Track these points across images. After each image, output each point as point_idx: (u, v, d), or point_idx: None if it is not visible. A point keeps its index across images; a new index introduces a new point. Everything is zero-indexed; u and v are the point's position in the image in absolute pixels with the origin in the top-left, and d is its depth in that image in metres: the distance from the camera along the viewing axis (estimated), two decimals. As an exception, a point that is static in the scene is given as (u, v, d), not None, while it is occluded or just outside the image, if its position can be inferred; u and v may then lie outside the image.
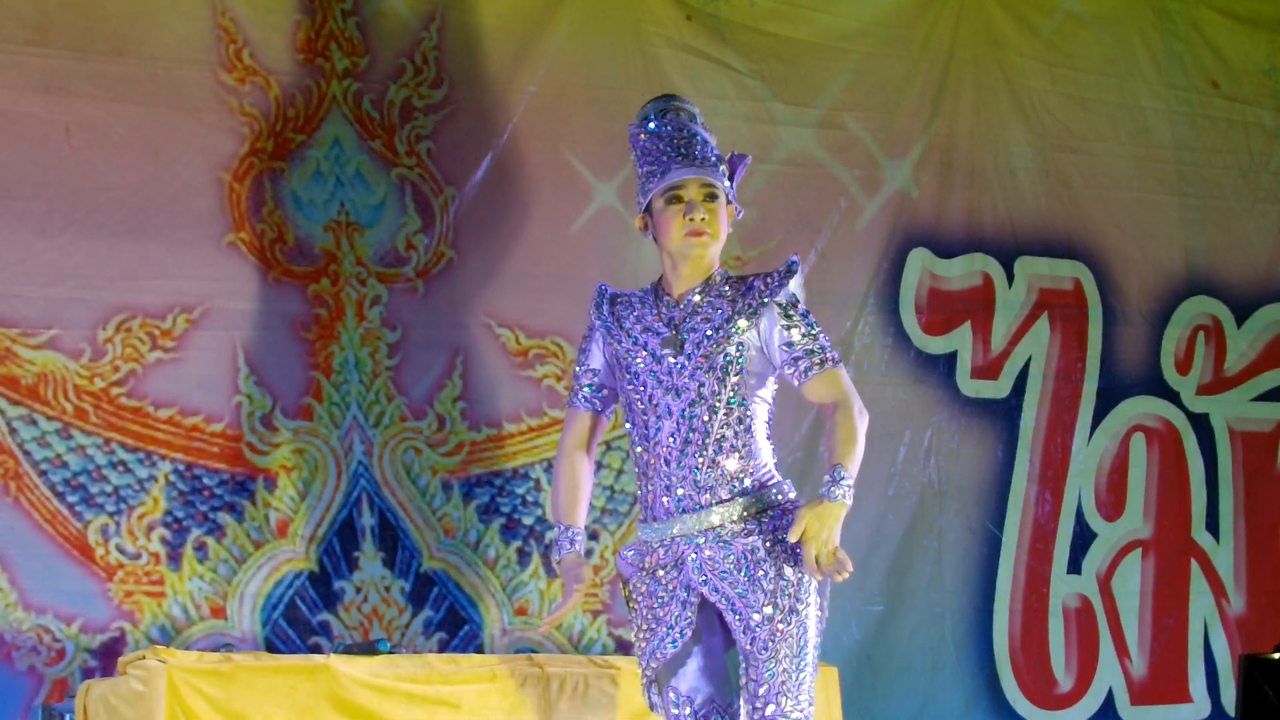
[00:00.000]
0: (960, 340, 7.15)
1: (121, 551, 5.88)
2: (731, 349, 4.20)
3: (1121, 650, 7.26)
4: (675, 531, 4.21)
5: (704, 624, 4.23)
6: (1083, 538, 7.26)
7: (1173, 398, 7.47)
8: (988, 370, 7.19)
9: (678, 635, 4.20)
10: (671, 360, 4.22)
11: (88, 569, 5.84)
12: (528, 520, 6.38)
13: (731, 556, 4.16)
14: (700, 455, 4.19)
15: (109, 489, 5.88)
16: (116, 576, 5.86)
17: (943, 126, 7.16)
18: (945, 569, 7.03)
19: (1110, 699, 7.21)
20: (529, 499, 6.38)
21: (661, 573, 4.23)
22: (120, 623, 5.85)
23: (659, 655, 4.22)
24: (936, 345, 7.12)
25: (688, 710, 4.24)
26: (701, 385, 4.20)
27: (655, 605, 4.23)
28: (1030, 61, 7.34)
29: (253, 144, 6.14)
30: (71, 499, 5.84)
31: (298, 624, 6.06)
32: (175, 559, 5.94)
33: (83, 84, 5.95)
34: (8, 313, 5.81)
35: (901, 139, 7.10)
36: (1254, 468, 7.60)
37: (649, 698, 4.30)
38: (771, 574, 4.13)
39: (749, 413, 4.23)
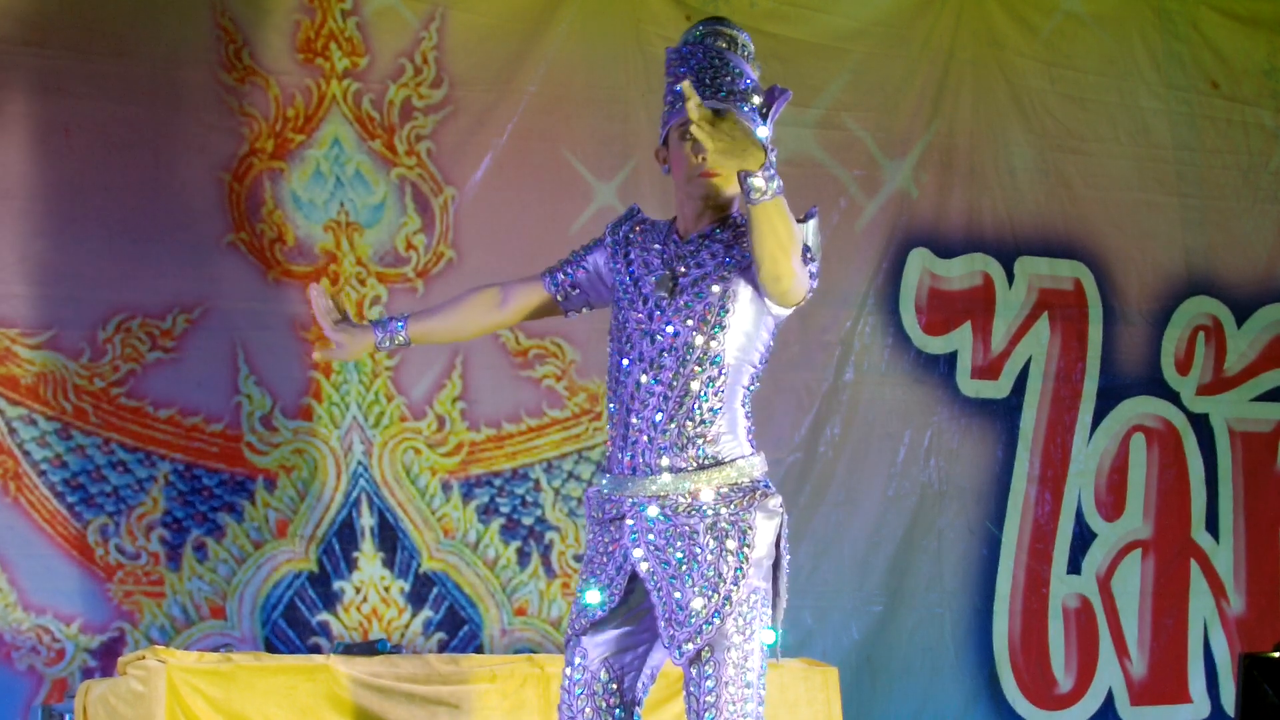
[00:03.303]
0: (960, 340, 7.15)
1: (121, 551, 5.88)
2: (715, 296, 3.93)
3: (1121, 650, 7.26)
4: (625, 491, 3.95)
5: (638, 601, 3.96)
6: (1082, 538, 7.26)
7: (1173, 398, 7.47)
8: (988, 370, 7.19)
9: (612, 599, 3.94)
10: (658, 302, 3.97)
11: (87, 569, 5.84)
12: (527, 520, 6.38)
13: (671, 530, 3.90)
14: (663, 410, 3.92)
15: (108, 489, 5.88)
16: (116, 576, 5.86)
17: (942, 126, 7.16)
18: (945, 569, 7.03)
19: (1110, 699, 7.21)
20: (529, 499, 6.39)
21: (610, 528, 3.98)
22: (120, 623, 5.85)
23: (587, 615, 3.97)
24: (936, 345, 7.12)
25: (582, 676, 3.97)
26: (677, 334, 3.93)
27: (595, 562, 4.00)
28: (1030, 61, 7.34)
29: (252, 144, 6.14)
30: (71, 499, 5.84)
31: (297, 624, 6.06)
32: (175, 559, 5.94)
33: (82, 84, 5.95)
34: (7, 313, 5.81)
35: (901, 139, 7.10)
36: (1254, 468, 7.60)
37: (569, 654, 4.03)
38: (709, 559, 3.86)
39: (724, 372, 3.93)
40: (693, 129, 3.70)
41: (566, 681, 4.01)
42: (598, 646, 4.00)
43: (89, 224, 5.93)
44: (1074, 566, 7.23)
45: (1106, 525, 7.31)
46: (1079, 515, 7.27)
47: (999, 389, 7.21)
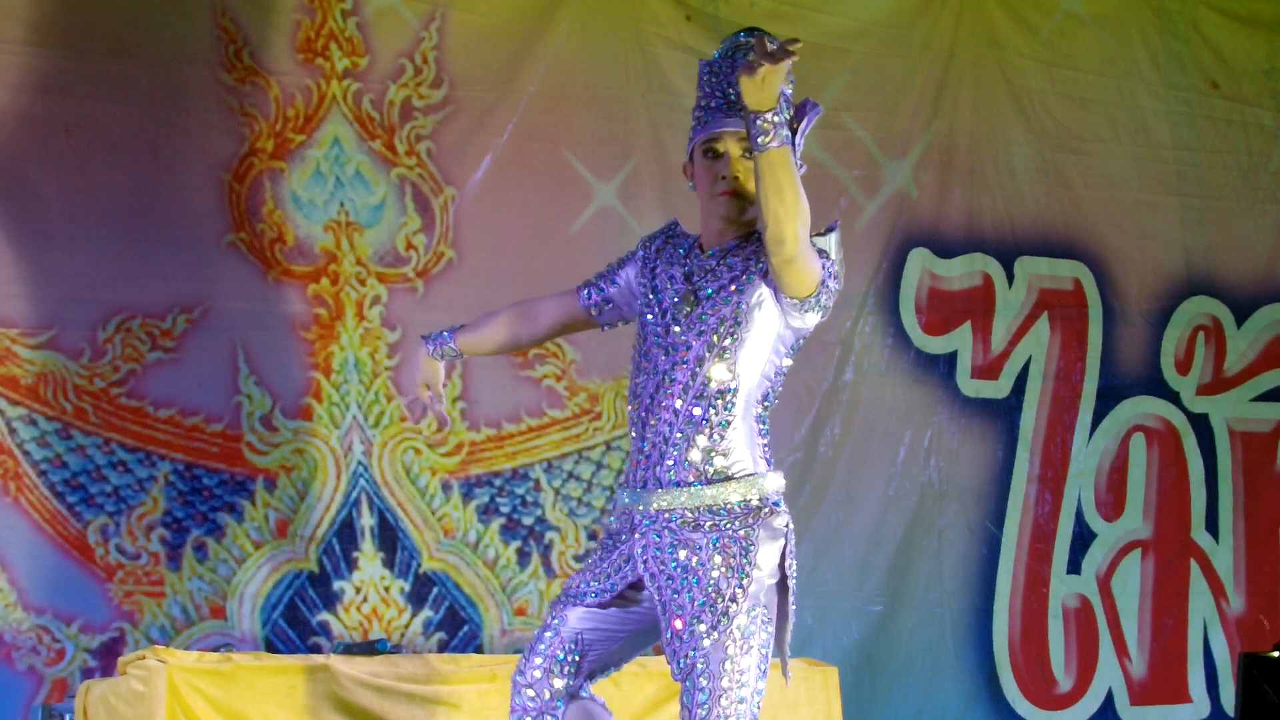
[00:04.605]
0: (960, 340, 7.15)
1: (121, 551, 5.88)
2: (729, 310, 3.93)
3: (1121, 650, 7.26)
4: (637, 503, 3.98)
5: (632, 597, 3.99)
6: (1082, 538, 7.26)
7: (1172, 398, 7.47)
8: (988, 370, 7.19)
9: (601, 589, 3.98)
10: (675, 316, 3.96)
11: (87, 569, 5.84)
12: (527, 520, 6.38)
13: (676, 543, 3.90)
14: (673, 424, 3.92)
15: (108, 489, 5.88)
16: (116, 576, 5.86)
17: (943, 126, 7.16)
18: (945, 569, 7.03)
19: (1110, 699, 7.21)
20: (529, 499, 6.39)
21: (620, 538, 4.00)
22: (120, 623, 5.85)
23: (576, 596, 4.01)
24: (936, 345, 7.12)
25: (551, 639, 3.98)
26: (690, 348, 3.93)
27: (598, 555, 4.04)
28: (1030, 61, 7.34)
29: (253, 144, 6.14)
30: (71, 499, 5.84)
31: (297, 624, 6.06)
32: (175, 559, 5.94)
33: (82, 84, 5.95)
34: (8, 313, 5.81)
35: (901, 139, 7.10)
36: (1253, 468, 7.60)
37: (547, 618, 4.06)
38: (711, 575, 3.87)
39: (736, 386, 3.93)
40: (763, 52, 3.70)
41: (533, 641, 4.03)
42: (577, 625, 4.02)
43: (89, 224, 5.93)
44: (1074, 566, 7.23)
45: (1106, 525, 7.31)
46: (1079, 515, 7.27)
47: (999, 389, 7.21)
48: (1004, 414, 7.22)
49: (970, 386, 7.16)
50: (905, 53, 7.14)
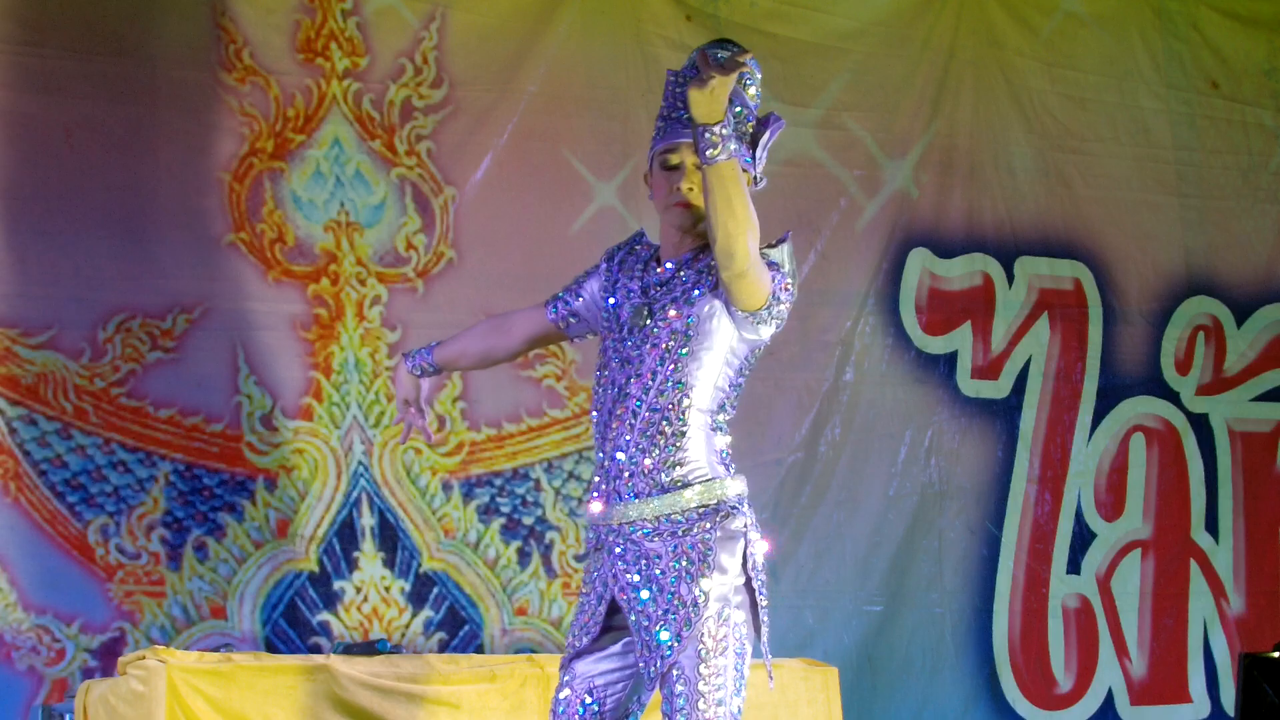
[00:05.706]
0: (960, 340, 7.15)
1: (121, 551, 5.88)
2: (681, 321, 3.93)
3: (1121, 650, 7.26)
4: (602, 519, 3.99)
5: (620, 625, 4.01)
6: (1082, 538, 7.26)
7: (1172, 398, 7.47)
8: (988, 370, 7.19)
9: (593, 627, 3.99)
10: (631, 329, 3.98)
11: (88, 569, 5.84)
12: (528, 520, 6.38)
13: (638, 554, 3.92)
14: (629, 436, 3.93)
15: (109, 489, 5.88)
16: (116, 576, 5.86)
17: (943, 126, 7.16)
18: (945, 569, 7.03)
19: (1110, 699, 7.21)
20: (529, 499, 6.39)
21: (594, 556, 4.02)
22: (120, 623, 5.85)
23: (574, 646, 4.02)
24: (936, 345, 7.12)
25: (567, 696, 3.99)
26: (643, 360, 3.94)
27: (581, 600, 4.06)
28: (1030, 61, 7.34)
29: (253, 144, 6.14)
30: (71, 499, 5.84)
31: (298, 624, 6.06)
32: (175, 559, 5.94)
33: (82, 84, 5.95)
34: (8, 313, 5.81)
35: (901, 139, 7.10)
36: (1253, 468, 7.60)
37: (561, 675, 4.07)
38: (670, 584, 3.88)
39: (689, 397, 3.93)
40: (706, 65, 3.69)
41: (554, 704, 4.04)
42: (587, 672, 4.02)
43: (89, 224, 5.93)
44: (1074, 566, 7.23)
45: (1106, 525, 7.31)
46: (1079, 515, 7.27)
47: (999, 389, 7.21)
48: (1004, 414, 7.22)
49: (970, 386, 7.16)
50: (905, 53, 7.14)
